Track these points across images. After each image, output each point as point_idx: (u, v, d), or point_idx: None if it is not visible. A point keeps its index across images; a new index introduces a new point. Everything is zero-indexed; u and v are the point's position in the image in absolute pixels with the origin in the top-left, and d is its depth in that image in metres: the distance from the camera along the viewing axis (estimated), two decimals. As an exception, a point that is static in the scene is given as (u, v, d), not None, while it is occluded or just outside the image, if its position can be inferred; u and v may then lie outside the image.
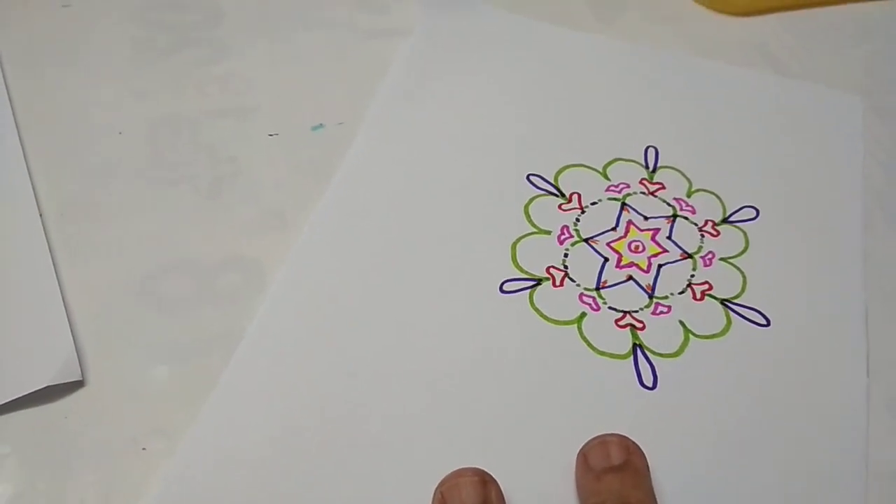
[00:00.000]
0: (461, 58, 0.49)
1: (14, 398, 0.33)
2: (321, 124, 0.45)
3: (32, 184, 0.41)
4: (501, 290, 0.38)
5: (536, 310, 0.38)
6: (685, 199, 0.43)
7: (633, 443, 0.32)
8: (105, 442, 0.33)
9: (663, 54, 0.50)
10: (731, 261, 0.40)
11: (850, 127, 0.47)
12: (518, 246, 0.40)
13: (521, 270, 0.39)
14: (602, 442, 0.32)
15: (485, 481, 0.31)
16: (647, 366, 0.36)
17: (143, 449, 0.33)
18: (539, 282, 0.39)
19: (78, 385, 0.34)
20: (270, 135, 0.44)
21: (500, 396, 0.35)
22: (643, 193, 0.43)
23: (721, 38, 0.52)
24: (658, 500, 0.31)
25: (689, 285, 0.39)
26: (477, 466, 0.31)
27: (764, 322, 0.38)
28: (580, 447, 0.33)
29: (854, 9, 0.54)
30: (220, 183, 0.42)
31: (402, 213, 0.41)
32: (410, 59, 0.48)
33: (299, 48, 0.49)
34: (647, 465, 0.32)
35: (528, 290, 0.38)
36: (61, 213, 0.40)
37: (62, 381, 0.34)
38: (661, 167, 0.44)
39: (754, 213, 0.42)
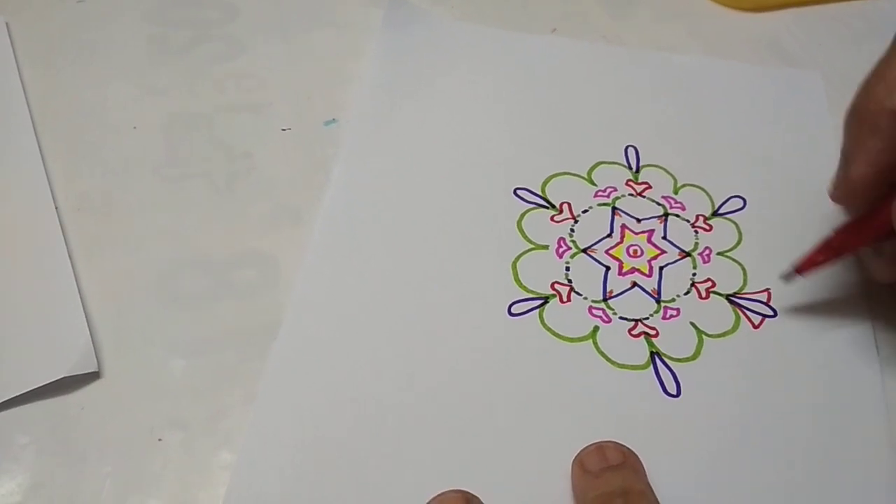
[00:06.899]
0: (426, 75, 0.47)
1: (31, 389, 0.34)
2: (334, 119, 0.45)
3: (49, 179, 0.41)
4: (510, 313, 0.37)
5: (549, 329, 0.37)
6: (673, 196, 0.43)
7: (629, 448, 0.32)
8: (121, 433, 0.33)
9: (628, 52, 0.50)
10: (727, 254, 0.40)
11: (815, 103, 0.47)
12: (518, 264, 0.39)
13: (526, 290, 0.38)
14: (598, 447, 0.32)
15: (468, 499, 0.30)
16: (668, 373, 0.36)
17: (160, 440, 0.33)
18: (546, 300, 0.38)
19: (94, 377, 0.35)
20: (283, 129, 0.44)
21: (523, 421, 0.34)
22: (631, 195, 0.42)
23: (733, 34, 0.52)
24: None
25: (692, 284, 0.39)
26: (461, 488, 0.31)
27: (771, 313, 0.38)
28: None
29: (865, 4, 0.54)
30: (235, 178, 0.42)
31: (395, 247, 0.40)
32: (375, 81, 0.47)
33: (313, 44, 0.49)
34: (644, 469, 0.32)
35: (537, 310, 0.38)
36: (77, 208, 0.40)
37: (79, 373, 0.34)
38: (644, 166, 0.44)
39: (741, 202, 0.42)
